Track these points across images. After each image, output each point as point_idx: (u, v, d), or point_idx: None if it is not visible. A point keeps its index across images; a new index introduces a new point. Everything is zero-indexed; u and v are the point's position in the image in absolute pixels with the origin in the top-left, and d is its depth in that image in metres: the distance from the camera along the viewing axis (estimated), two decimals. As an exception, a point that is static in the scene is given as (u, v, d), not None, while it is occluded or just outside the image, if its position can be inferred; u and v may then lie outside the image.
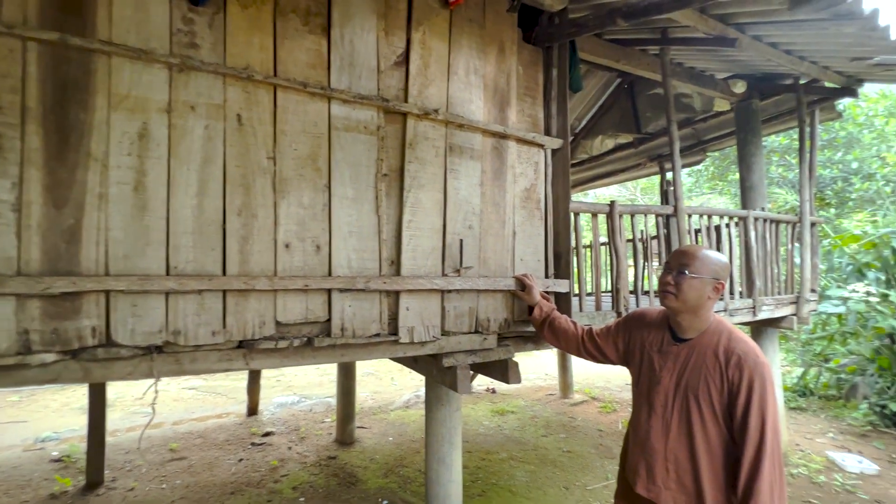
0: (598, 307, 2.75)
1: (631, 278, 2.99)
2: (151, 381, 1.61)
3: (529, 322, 2.28)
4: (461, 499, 2.41)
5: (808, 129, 4.13)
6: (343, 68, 1.97)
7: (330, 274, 1.90)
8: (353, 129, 1.99)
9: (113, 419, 4.95)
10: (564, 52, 2.58)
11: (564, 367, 6.04)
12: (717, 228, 3.57)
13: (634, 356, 1.68)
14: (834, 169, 8.59)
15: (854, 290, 5.28)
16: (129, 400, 5.87)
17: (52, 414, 5.46)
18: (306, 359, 1.87)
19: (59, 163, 1.48)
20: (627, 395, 6.17)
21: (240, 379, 6.46)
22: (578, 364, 6.72)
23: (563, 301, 2.49)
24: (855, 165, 8.22)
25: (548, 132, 2.55)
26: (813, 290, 4.11)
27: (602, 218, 3.02)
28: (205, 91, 1.70)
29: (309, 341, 1.83)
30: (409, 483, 3.59)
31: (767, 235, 3.79)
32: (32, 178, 1.44)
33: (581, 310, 2.82)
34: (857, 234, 6.41)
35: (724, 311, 3.26)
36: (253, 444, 4.41)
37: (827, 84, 3.97)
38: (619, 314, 2.70)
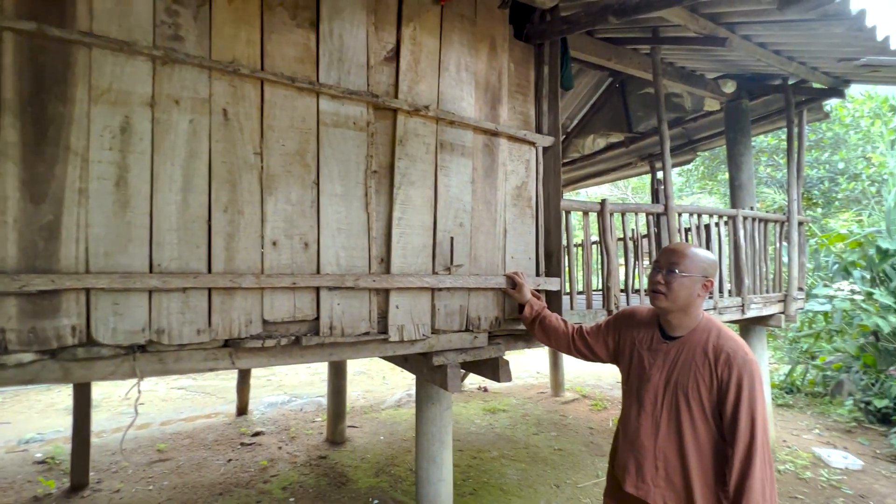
0: (588, 305, 2.75)
1: (622, 277, 2.99)
2: (135, 380, 1.58)
3: (520, 320, 2.27)
4: (451, 498, 2.40)
5: (796, 130, 4.18)
6: (332, 63, 1.94)
7: (318, 272, 1.88)
8: (342, 124, 1.96)
9: (98, 420, 4.87)
10: (556, 49, 2.57)
11: (556, 366, 6.06)
12: (707, 227, 3.59)
13: (624, 354, 1.68)
14: (821, 169, 8.71)
15: (840, 289, 5.36)
16: (115, 400, 5.78)
17: (36, 415, 5.35)
18: (294, 358, 1.85)
19: (36, 157, 1.44)
20: (618, 392, 6.20)
21: (229, 378, 6.39)
22: (570, 362, 6.75)
23: (554, 299, 2.49)
24: (841, 166, 8.35)
25: (539, 130, 2.54)
26: (800, 289, 4.16)
27: (593, 216, 3.03)
28: (190, 85, 1.66)
29: (297, 340, 1.81)
30: (400, 482, 3.57)
31: (756, 234, 3.83)
32: (9, 172, 1.40)
33: (572, 308, 2.82)
34: (842, 233, 6.51)
35: (714, 309, 3.29)
36: (242, 444, 4.36)
37: (815, 85, 4.02)
38: (609, 312, 2.71)
